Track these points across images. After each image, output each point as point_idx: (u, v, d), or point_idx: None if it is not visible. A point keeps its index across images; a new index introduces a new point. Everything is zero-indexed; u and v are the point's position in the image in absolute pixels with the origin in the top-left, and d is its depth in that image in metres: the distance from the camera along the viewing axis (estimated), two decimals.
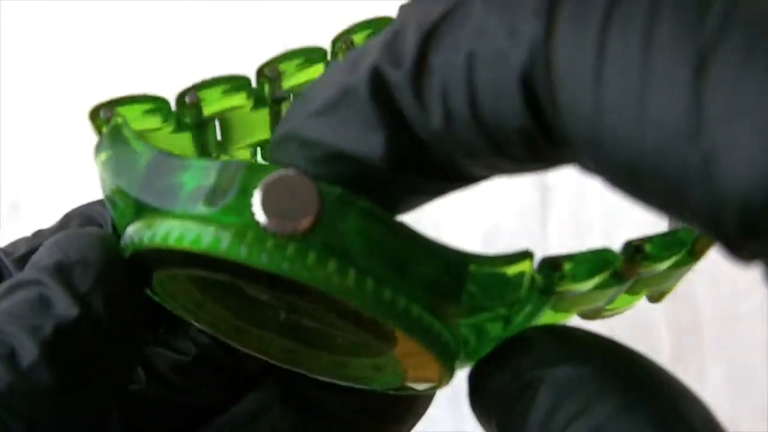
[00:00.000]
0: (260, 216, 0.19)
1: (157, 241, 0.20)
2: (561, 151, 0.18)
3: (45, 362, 0.20)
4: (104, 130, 0.22)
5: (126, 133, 0.21)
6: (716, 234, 0.16)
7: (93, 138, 0.22)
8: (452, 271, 0.20)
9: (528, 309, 0.21)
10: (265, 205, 0.19)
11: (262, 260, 0.19)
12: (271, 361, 0.24)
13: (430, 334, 0.20)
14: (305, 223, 0.19)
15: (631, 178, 0.16)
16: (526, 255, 0.20)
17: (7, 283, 0.22)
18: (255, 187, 0.19)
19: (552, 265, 0.21)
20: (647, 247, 0.21)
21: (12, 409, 0.20)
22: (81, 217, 0.25)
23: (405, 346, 0.21)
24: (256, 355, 0.24)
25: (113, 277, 0.22)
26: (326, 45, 0.26)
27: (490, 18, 0.17)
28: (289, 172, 0.19)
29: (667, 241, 0.22)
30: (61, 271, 0.21)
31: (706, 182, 0.15)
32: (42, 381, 0.20)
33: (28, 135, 0.56)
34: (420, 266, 0.20)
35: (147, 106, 0.24)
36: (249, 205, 0.19)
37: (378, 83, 0.19)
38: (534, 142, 0.18)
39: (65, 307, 0.21)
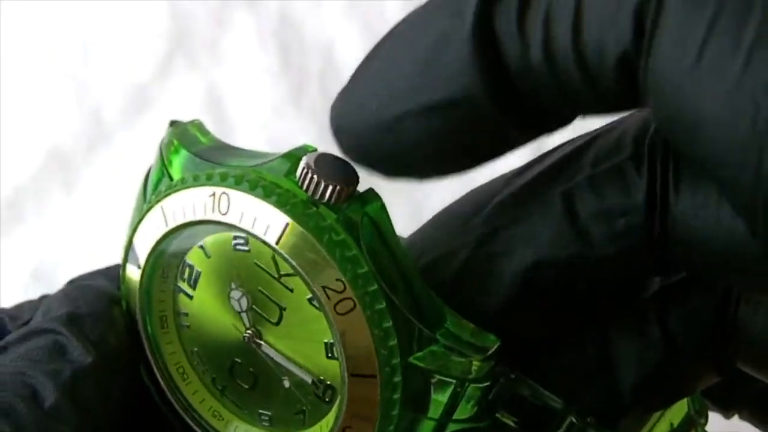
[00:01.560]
0: (299, 173, 0.21)
1: (219, 171, 0.22)
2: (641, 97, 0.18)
3: (64, 402, 0.22)
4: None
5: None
6: (740, 214, 0.17)
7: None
8: (429, 309, 0.21)
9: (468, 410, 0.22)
10: (308, 168, 0.21)
11: (287, 209, 0.21)
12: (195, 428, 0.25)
13: (384, 337, 0.21)
14: (337, 191, 0.21)
15: (693, 136, 0.17)
16: (495, 341, 0.21)
17: (21, 331, 0.24)
18: (302, 155, 0.21)
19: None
20: None
21: None
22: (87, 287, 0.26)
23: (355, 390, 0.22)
24: (183, 414, 0.25)
25: (118, 328, 0.24)
26: None
27: None
28: (335, 156, 0.21)
29: None
30: (73, 321, 0.23)
31: (756, 175, 0.16)
32: (62, 419, 0.22)
33: (27, 134, 0.56)
34: (407, 286, 0.21)
35: None
36: (293, 167, 0.21)
37: (484, 16, 0.18)
38: (627, 74, 0.18)
39: (80, 354, 0.23)
